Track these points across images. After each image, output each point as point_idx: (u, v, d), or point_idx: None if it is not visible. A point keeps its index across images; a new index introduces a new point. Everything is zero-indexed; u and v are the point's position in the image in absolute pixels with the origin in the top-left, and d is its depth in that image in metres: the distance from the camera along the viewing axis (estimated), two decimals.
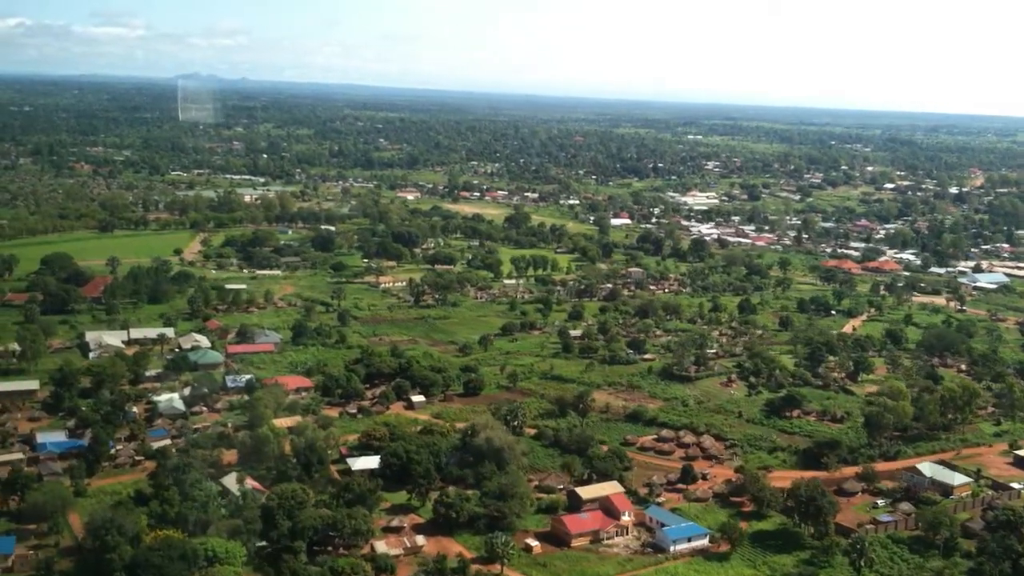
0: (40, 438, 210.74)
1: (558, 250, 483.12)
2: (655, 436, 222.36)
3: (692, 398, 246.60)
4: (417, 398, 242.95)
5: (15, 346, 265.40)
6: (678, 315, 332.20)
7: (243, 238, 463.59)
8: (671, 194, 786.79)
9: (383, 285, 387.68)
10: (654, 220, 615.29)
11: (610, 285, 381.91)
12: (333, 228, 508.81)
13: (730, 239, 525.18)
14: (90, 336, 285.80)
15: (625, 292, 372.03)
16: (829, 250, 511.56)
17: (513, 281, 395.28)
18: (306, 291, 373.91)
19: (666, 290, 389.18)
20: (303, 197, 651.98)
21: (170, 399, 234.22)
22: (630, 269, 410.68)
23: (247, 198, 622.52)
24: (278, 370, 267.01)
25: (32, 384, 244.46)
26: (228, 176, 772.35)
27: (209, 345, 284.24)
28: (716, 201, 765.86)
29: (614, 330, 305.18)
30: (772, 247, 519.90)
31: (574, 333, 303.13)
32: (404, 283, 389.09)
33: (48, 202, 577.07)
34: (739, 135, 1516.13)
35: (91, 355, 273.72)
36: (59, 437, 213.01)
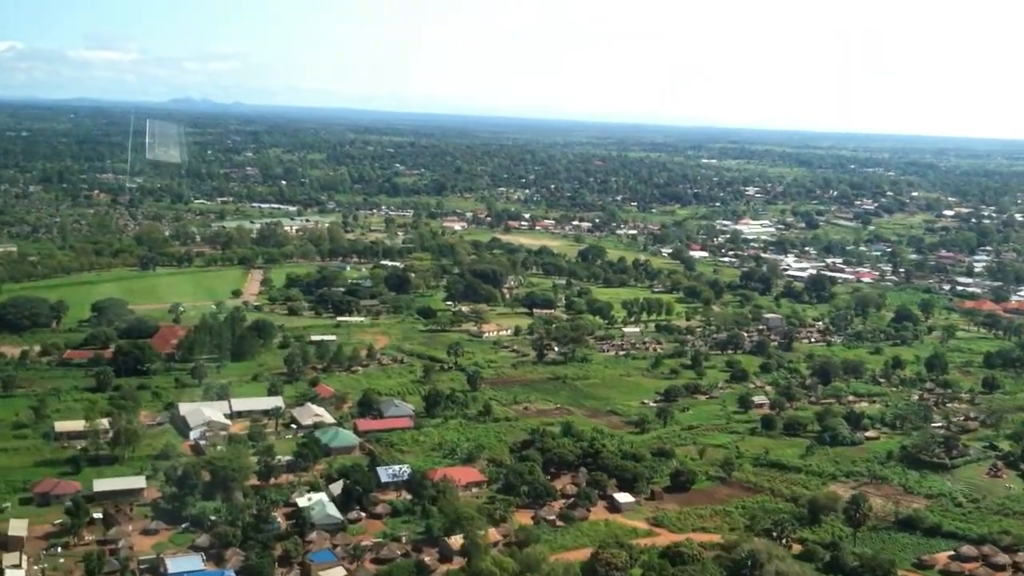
0: (171, 565, 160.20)
1: (655, 289, 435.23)
2: (951, 553, 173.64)
3: (959, 494, 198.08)
4: (623, 498, 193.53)
5: (103, 424, 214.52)
6: (858, 375, 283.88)
7: (308, 277, 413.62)
8: (722, 222, 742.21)
9: (486, 334, 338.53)
10: (730, 252, 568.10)
11: (751, 334, 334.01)
12: (400, 265, 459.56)
13: (828, 274, 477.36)
14: (185, 409, 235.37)
15: (772, 344, 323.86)
16: (948, 287, 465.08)
17: (635, 329, 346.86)
18: (403, 342, 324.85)
19: (812, 340, 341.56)
20: (346, 228, 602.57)
21: (320, 503, 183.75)
22: (767, 315, 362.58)
23: (288, 229, 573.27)
24: (427, 455, 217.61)
25: (138, 482, 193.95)
26: (256, 204, 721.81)
27: (334, 421, 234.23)
28: (772, 229, 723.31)
29: (802, 399, 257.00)
30: (881, 283, 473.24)
31: (757, 400, 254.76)
32: (509, 331, 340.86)
33: (74, 235, 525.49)
34: (752, 159, 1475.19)
35: (192, 435, 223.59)
36: (195, 563, 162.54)
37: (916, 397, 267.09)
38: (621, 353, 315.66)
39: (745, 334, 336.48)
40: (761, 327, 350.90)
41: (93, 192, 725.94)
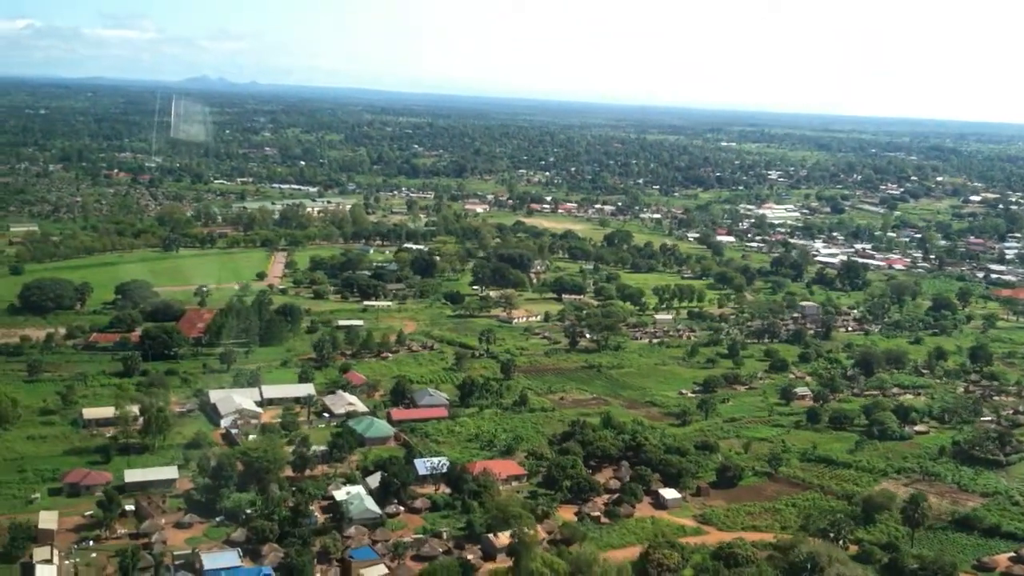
0: (207, 562, 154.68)
1: (684, 275, 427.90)
2: (1012, 555, 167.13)
3: (1016, 492, 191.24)
4: (669, 494, 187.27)
5: (133, 411, 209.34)
6: (900, 366, 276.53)
7: (332, 260, 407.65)
8: (746, 206, 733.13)
9: (516, 320, 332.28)
10: (757, 237, 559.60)
11: (786, 322, 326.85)
12: (424, 248, 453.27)
13: (859, 261, 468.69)
14: (216, 396, 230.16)
15: (809, 332, 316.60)
16: (981, 274, 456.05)
17: (667, 316, 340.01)
18: (431, 328, 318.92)
19: (849, 328, 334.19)
20: (367, 210, 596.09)
21: (358, 496, 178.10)
22: (802, 303, 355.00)
23: (309, 210, 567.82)
24: (464, 447, 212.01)
25: (170, 472, 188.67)
26: (276, 185, 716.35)
27: (367, 410, 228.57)
28: (797, 214, 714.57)
29: (845, 391, 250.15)
30: (913, 270, 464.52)
31: (799, 392, 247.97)
32: (538, 317, 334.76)
33: (96, 215, 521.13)
34: (772, 143, 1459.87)
35: (223, 423, 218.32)
36: (231, 559, 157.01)
37: (962, 389, 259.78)
38: (655, 341, 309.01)
39: (780, 322, 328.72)
40: (796, 315, 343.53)
41: (113, 172, 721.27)
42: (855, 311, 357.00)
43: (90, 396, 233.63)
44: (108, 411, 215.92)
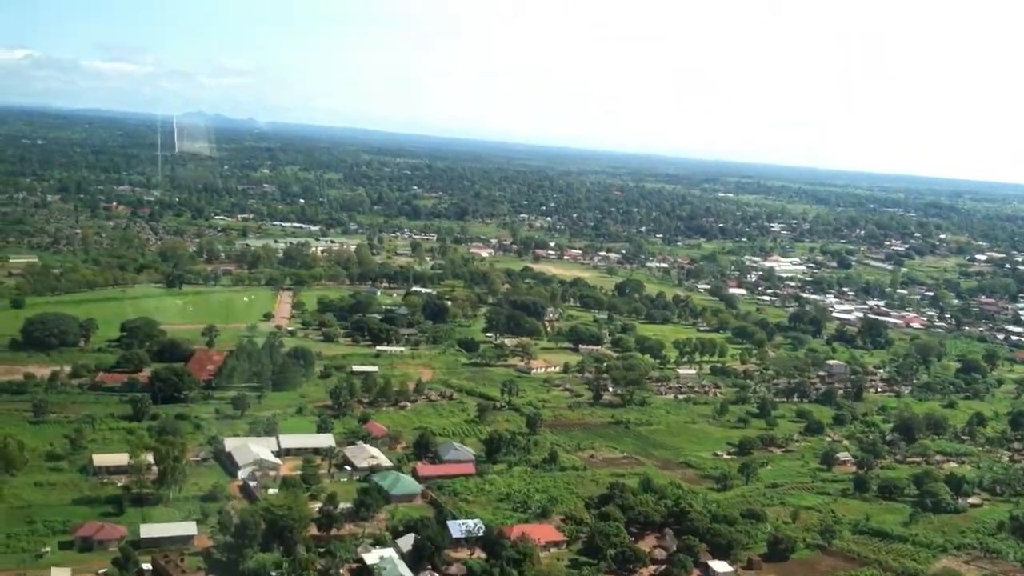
0: None
1: (700, 327, 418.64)
2: None
3: None
4: (720, 567, 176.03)
5: (148, 459, 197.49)
6: (939, 432, 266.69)
7: (341, 302, 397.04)
8: (751, 258, 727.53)
9: (535, 370, 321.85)
10: (768, 291, 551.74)
11: (813, 381, 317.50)
12: (432, 291, 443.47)
13: (876, 318, 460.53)
14: (231, 445, 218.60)
15: (839, 392, 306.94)
16: (1001, 336, 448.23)
17: (691, 371, 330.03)
18: (448, 376, 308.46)
19: (878, 389, 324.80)
20: (371, 250, 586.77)
21: (391, 560, 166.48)
22: (830, 362, 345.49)
23: (314, 250, 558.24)
24: (496, 507, 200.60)
25: (188, 528, 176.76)
26: (277, 223, 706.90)
27: (390, 464, 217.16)
28: (803, 267, 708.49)
29: (887, 457, 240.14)
30: (931, 330, 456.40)
31: (840, 456, 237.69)
32: (557, 368, 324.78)
33: (96, 248, 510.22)
34: (770, 195, 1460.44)
35: (240, 474, 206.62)
36: None
37: (1006, 458, 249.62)
38: (680, 396, 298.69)
39: (809, 381, 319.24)
40: (823, 374, 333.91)
41: (112, 204, 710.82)
42: (881, 371, 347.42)
43: (99, 440, 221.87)
44: (119, 458, 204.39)
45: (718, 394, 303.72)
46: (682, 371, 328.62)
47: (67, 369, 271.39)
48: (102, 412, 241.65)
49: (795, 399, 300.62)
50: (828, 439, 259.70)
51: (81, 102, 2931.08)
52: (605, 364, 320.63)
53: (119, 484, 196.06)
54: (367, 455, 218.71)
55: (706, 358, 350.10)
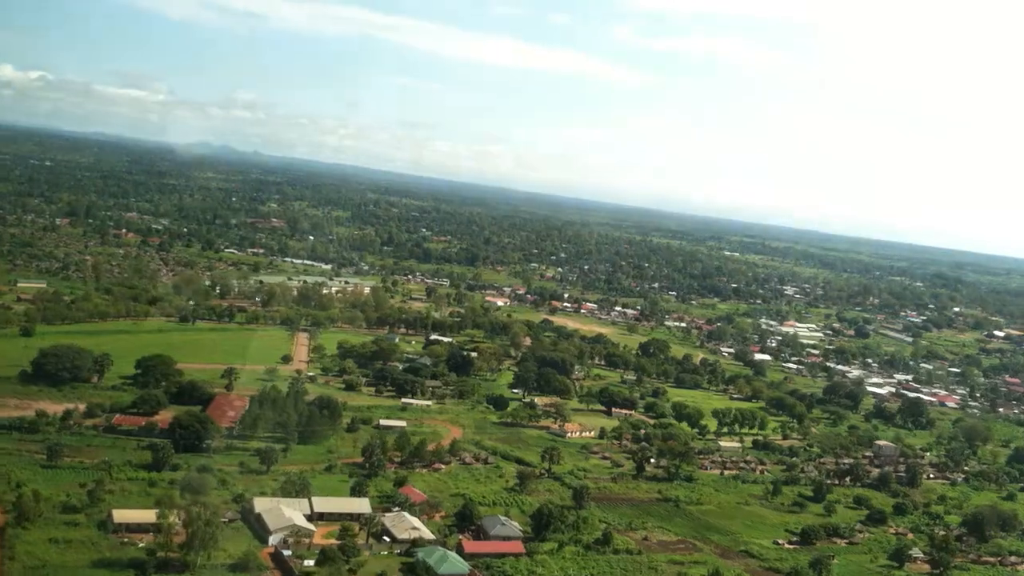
0: None
1: (733, 396, 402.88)
2: None
3: None
4: None
5: (175, 519, 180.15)
6: (1009, 529, 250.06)
7: (363, 348, 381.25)
8: (767, 321, 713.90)
9: (570, 434, 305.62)
10: (792, 358, 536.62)
11: (862, 462, 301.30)
12: (452, 340, 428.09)
13: (912, 395, 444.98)
14: (261, 506, 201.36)
15: (893, 478, 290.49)
16: None
17: (735, 445, 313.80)
18: (479, 435, 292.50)
19: (930, 476, 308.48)
20: (387, 293, 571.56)
21: None
22: (879, 443, 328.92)
23: (327, 290, 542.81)
24: None
25: None
26: (288, 259, 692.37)
27: (432, 536, 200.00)
28: (820, 334, 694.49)
29: (960, 556, 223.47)
30: (964, 409, 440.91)
31: (913, 554, 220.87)
32: (592, 433, 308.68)
33: (107, 276, 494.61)
34: (775, 256, 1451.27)
35: (271, 539, 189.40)
36: None
37: None
38: (727, 473, 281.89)
39: (862, 461, 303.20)
40: (870, 455, 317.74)
41: (121, 231, 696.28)
42: (929, 454, 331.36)
43: (116, 492, 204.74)
44: (141, 514, 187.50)
45: (764, 472, 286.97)
46: (724, 444, 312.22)
47: (81, 407, 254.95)
48: (119, 459, 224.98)
49: (847, 482, 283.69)
50: (891, 530, 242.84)
51: (89, 125, 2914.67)
52: (643, 431, 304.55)
53: (140, 544, 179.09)
54: (408, 525, 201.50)
55: (745, 430, 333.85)
